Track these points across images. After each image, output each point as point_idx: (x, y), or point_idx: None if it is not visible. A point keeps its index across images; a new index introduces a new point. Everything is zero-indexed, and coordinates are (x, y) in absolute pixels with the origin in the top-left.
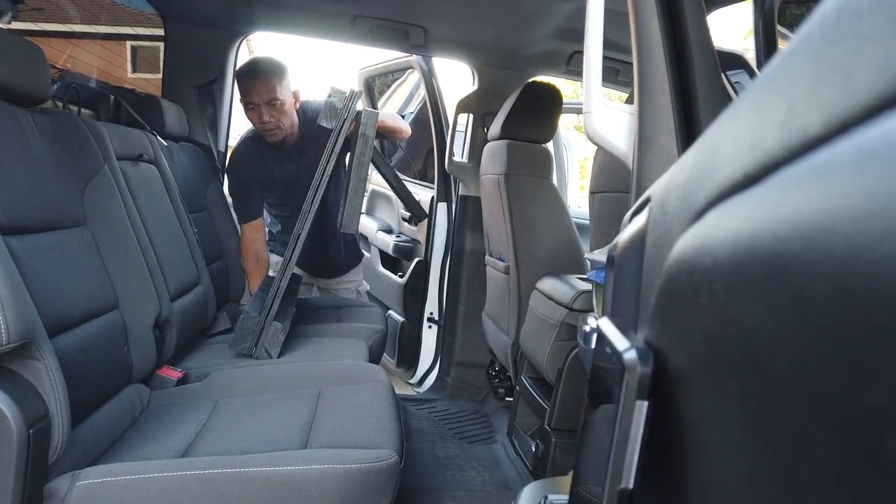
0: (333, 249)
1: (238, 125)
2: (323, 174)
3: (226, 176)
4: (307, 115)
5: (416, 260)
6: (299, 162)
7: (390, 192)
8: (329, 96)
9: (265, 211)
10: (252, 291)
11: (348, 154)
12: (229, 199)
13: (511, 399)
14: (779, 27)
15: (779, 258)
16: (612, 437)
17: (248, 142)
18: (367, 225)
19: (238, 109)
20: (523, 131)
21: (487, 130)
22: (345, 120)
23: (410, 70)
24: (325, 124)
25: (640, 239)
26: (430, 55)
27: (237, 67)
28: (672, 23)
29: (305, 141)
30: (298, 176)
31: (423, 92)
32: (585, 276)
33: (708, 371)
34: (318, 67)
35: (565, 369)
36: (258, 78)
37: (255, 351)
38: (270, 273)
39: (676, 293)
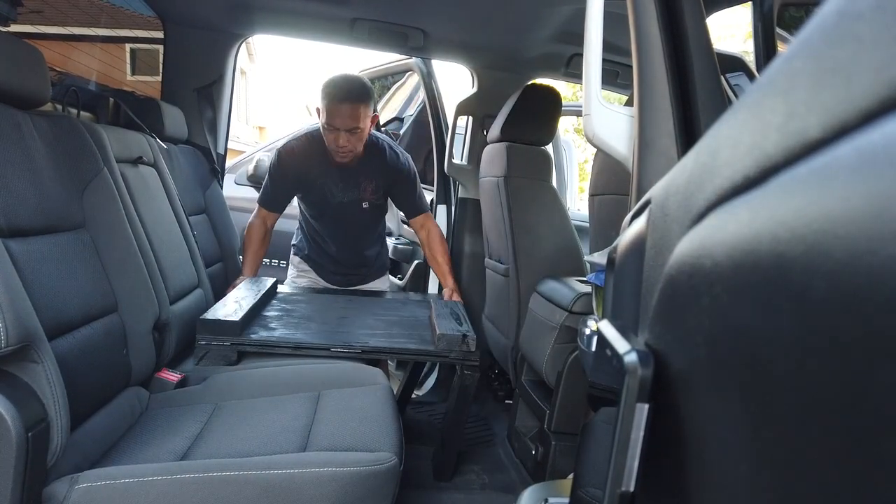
0: (359, 259)
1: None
2: None
3: (273, 156)
4: (373, 144)
5: (416, 262)
6: (346, 183)
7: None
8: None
9: (301, 205)
10: (245, 268)
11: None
12: (228, 202)
13: (510, 402)
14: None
15: (779, 261)
16: (612, 439)
17: (307, 138)
18: None
19: (237, 111)
20: (523, 134)
21: (487, 133)
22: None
23: (410, 72)
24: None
25: (640, 241)
26: (430, 58)
27: (326, 81)
28: (671, 25)
29: (360, 167)
30: (335, 196)
31: (422, 94)
32: (585, 279)
33: (708, 373)
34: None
35: (565, 372)
36: (347, 105)
37: (199, 351)
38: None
39: (677, 296)
